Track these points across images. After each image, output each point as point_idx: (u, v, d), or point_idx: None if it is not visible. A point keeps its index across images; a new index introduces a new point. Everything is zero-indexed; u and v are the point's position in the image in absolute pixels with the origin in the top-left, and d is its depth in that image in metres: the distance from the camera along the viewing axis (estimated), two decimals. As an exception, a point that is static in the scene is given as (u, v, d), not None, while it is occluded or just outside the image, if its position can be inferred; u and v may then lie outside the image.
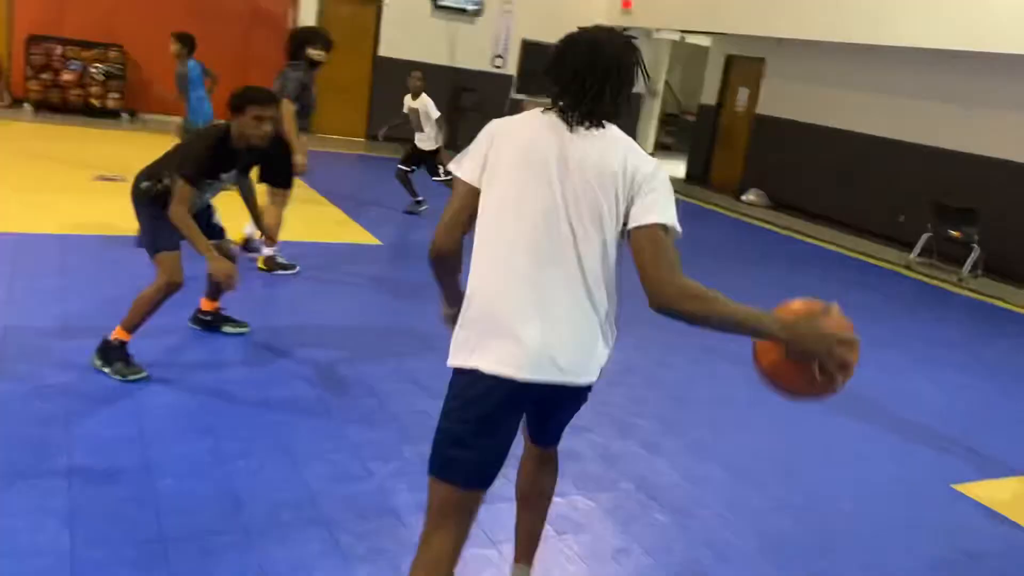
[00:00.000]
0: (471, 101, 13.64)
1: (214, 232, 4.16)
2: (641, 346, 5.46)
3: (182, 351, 4.26)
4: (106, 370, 3.80)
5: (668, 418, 4.39)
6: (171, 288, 3.81)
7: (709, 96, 14.39)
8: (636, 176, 2.00)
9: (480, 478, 2.05)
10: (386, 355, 4.62)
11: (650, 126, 17.46)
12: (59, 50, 11.23)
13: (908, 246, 9.88)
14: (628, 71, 2.06)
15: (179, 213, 3.66)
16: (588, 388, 2.13)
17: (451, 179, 2.13)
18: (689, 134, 15.83)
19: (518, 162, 2.03)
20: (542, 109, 2.09)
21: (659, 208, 1.99)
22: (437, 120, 8.12)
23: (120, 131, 10.87)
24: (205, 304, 4.51)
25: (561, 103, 2.06)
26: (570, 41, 2.09)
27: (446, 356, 2.09)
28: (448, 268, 2.19)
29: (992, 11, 8.59)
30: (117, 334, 3.84)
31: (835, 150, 11.75)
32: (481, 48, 14.11)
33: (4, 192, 6.85)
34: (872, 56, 10.96)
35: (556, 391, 2.01)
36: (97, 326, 3.98)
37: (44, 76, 11.17)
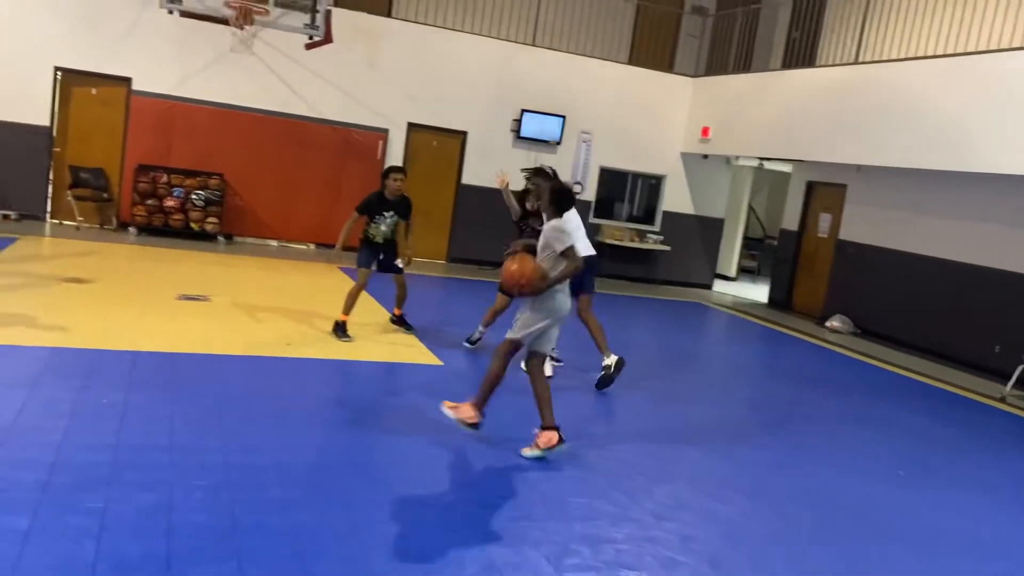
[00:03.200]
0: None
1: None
2: (696, 479, 5.25)
3: (223, 470, 4.32)
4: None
5: (717, 557, 4.15)
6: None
7: (791, 221, 14.26)
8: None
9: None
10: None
11: (733, 249, 17.36)
12: (164, 178, 12.10)
13: (1004, 378, 9.32)
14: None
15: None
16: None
17: None
18: (773, 259, 15.64)
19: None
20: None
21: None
22: None
23: (215, 254, 11.47)
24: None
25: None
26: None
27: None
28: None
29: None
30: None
31: (922, 276, 11.37)
32: (560, 174, 14.43)
33: (89, 308, 7.28)
34: (956, 182, 10.71)
35: None
36: (145, 444, 4.08)
37: (149, 202, 12.01)
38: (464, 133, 13.88)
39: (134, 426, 4.72)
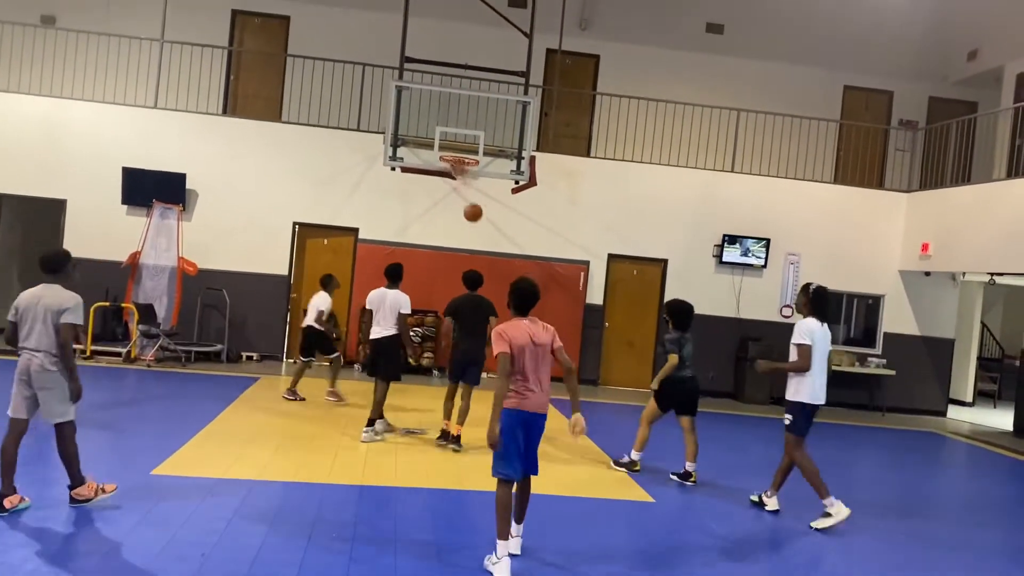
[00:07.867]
0: (757, 350, 13.45)
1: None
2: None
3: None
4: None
5: None
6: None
7: (1034, 339, 12.94)
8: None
9: None
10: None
11: (967, 372, 15.93)
12: (385, 318, 12.98)
13: None
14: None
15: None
16: None
17: None
18: (1015, 381, 14.15)
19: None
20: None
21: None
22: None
23: (429, 387, 12.03)
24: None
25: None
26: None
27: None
28: None
29: None
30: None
31: None
32: (767, 298, 14.09)
33: (321, 441, 7.81)
34: None
35: None
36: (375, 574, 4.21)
37: (372, 340, 12.89)
38: (664, 261, 13.95)
39: (361, 555, 4.93)
